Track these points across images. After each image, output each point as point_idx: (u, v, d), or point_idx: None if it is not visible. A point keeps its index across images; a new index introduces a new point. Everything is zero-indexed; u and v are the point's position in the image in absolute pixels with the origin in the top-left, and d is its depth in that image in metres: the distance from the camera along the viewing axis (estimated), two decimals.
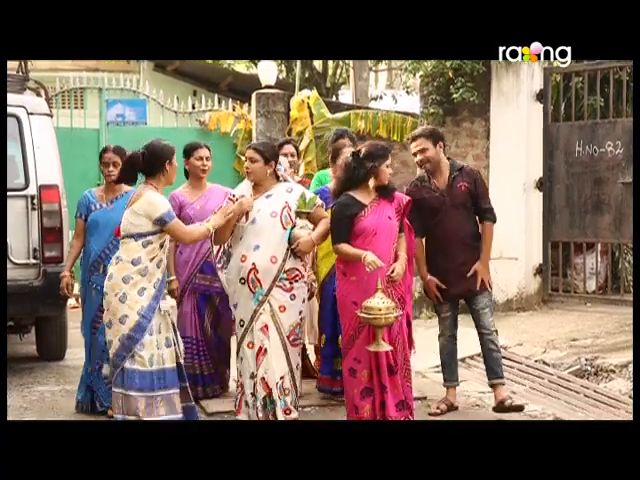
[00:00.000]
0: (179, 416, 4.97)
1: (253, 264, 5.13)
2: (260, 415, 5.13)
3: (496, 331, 5.74)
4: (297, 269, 5.21)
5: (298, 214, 5.22)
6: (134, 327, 4.83)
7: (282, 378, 5.16)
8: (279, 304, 5.15)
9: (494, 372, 5.69)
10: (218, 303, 5.96)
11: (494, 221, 5.74)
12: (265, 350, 5.12)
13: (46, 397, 6.32)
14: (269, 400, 5.14)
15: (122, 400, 4.87)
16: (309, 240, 5.17)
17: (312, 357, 6.57)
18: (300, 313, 5.25)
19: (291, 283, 5.18)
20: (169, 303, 5.07)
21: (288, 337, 5.18)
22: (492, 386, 5.72)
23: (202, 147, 5.96)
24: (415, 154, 5.68)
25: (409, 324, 5.33)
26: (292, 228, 5.20)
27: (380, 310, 4.83)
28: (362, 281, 5.01)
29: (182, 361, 5.10)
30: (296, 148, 6.54)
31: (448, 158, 5.76)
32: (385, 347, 4.96)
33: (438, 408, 5.66)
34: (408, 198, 5.29)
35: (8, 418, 4.84)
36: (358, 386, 5.11)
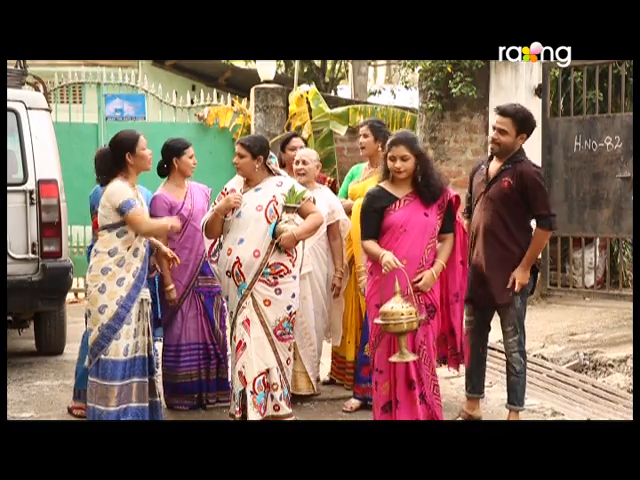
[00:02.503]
0: (145, 405, 5.03)
1: (237, 258, 5.11)
2: (237, 409, 5.10)
3: (521, 352, 5.23)
4: (282, 264, 5.13)
5: (285, 208, 5.14)
6: (113, 317, 4.91)
7: (267, 373, 5.11)
8: (264, 298, 5.11)
9: (509, 397, 5.32)
10: (222, 303, 5.84)
11: (549, 229, 5.14)
12: (244, 345, 5.08)
13: (45, 392, 6.33)
14: (243, 395, 5.08)
15: (96, 389, 4.96)
16: (290, 235, 5.05)
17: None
18: (289, 308, 5.18)
19: (275, 278, 5.11)
20: (148, 292, 5.11)
21: (275, 331, 5.12)
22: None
23: (191, 145, 5.89)
24: (494, 128, 5.20)
25: (453, 333, 4.97)
26: (277, 222, 5.13)
27: (393, 315, 4.44)
28: (384, 282, 4.66)
29: (153, 353, 5.14)
30: (304, 141, 6.44)
31: (519, 149, 5.18)
32: (409, 357, 4.56)
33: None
34: (454, 193, 4.86)
35: (7, 412, 4.85)
36: (379, 401, 4.82)
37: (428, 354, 4.78)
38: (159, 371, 5.72)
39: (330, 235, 5.94)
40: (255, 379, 5.07)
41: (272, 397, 5.14)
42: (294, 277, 5.22)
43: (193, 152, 5.88)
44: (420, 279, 4.72)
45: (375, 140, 5.97)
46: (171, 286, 5.68)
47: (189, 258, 5.75)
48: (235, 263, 5.12)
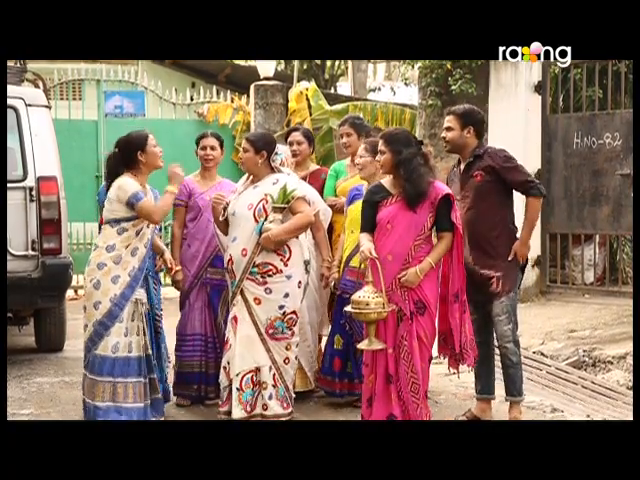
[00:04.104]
0: (140, 405, 5.05)
1: (230, 255, 5.14)
2: (220, 403, 5.15)
3: (515, 342, 5.17)
4: (271, 264, 5.05)
5: (273, 208, 5.08)
6: (106, 314, 4.96)
7: (257, 371, 5.08)
8: (254, 296, 5.08)
9: (507, 389, 5.23)
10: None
11: (540, 194, 5.09)
12: (229, 341, 5.12)
13: (45, 388, 6.33)
14: (230, 390, 5.10)
15: (85, 382, 5.04)
16: (266, 236, 5.00)
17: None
18: (281, 308, 5.08)
19: (264, 277, 5.06)
20: (143, 293, 5.13)
21: (266, 330, 5.07)
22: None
23: (207, 136, 5.89)
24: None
25: (448, 333, 4.84)
26: (264, 221, 5.07)
27: (360, 304, 4.54)
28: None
29: (150, 352, 5.16)
30: (307, 135, 6.20)
31: (479, 144, 5.20)
32: (376, 345, 4.60)
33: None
34: (444, 192, 4.73)
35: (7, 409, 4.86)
36: (366, 394, 4.84)
37: (409, 350, 4.67)
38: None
39: (313, 227, 5.71)
40: (243, 376, 5.05)
41: (262, 396, 5.10)
42: (287, 277, 5.11)
43: (206, 144, 5.86)
44: (404, 275, 4.70)
45: (359, 137, 5.95)
46: (178, 267, 5.68)
47: (199, 249, 5.77)
48: (229, 261, 5.16)
